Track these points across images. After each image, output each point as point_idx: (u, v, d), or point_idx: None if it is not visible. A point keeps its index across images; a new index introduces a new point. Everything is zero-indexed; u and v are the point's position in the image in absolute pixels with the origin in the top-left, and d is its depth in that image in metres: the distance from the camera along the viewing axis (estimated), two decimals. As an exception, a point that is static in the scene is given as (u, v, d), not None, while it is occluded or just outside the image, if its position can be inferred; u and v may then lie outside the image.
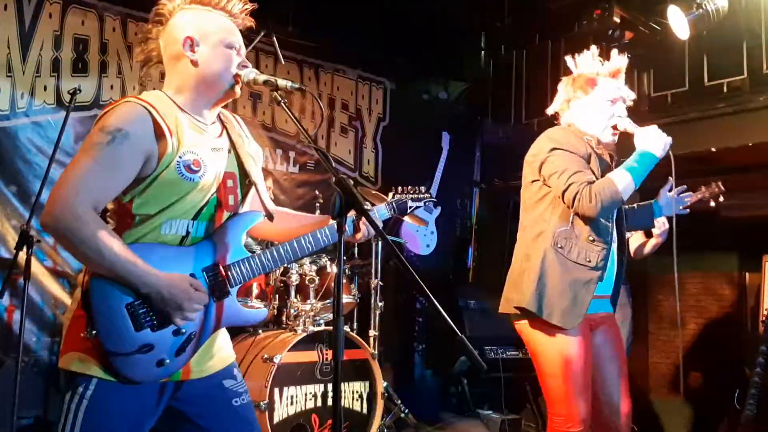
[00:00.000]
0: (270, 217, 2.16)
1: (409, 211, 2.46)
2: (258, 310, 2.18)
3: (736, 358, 4.80)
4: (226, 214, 2.07)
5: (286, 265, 2.15)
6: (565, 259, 2.77)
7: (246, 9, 2.11)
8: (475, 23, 6.52)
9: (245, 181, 2.14)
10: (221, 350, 2.12)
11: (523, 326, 2.88)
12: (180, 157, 1.91)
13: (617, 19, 4.76)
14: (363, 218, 1.82)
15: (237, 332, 4.25)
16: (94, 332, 1.80)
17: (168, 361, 1.89)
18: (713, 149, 4.75)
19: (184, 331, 1.91)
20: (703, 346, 5.30)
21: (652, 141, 2.78)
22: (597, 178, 2.79)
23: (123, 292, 1.83)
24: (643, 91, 5.23)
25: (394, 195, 2.46)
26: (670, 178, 3.26)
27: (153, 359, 1.87)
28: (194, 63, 2.00)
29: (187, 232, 1.97)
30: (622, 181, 2.71)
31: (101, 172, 1.82)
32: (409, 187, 2.48)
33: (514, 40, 6.36)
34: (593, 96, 2.93)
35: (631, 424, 2.95)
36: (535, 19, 6.04)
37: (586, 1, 5.14)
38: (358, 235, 2.20)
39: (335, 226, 2.07)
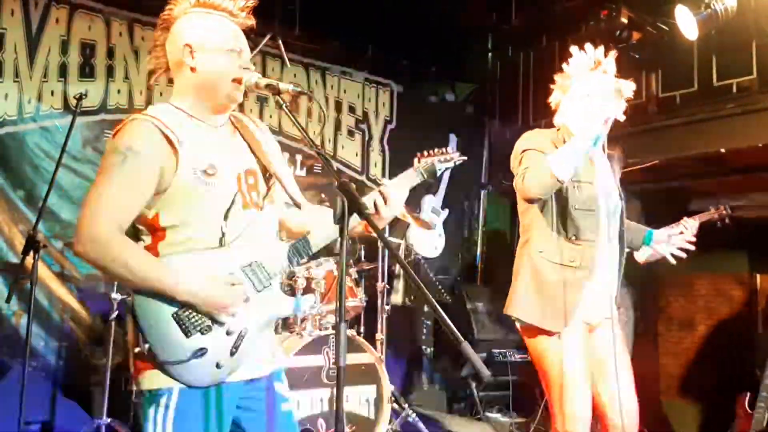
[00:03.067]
0: (298, 205, 2.19)
1: (438, 173, 2.39)
2: (306, 296, 2.18)
3: (746, 359, 4.76)
4: (253, 211, 2.07)
5: (317, 250, 2.13)
6: (547, 262, 2.79)
7: (246, 7, 2.08)
8: (481, 24, 6.50)
9: (267, 176, 2.16)
10: (273, 353, 2.14)
11: (523, 330, 2.89)
12: (194, 164, 1.93)
13: (624, 20, 4.73)
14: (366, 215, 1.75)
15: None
16: (147, 345, 1.84)
17: (224, 361, 1.91)
18: (722, 150, 4.72)
19: (234, 330, 1.93)
20: (714, 347, 5.26)
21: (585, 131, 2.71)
22: (582, 180, 2.78)
23: (167, 303, 1.86)
24: (652, 91, 5.20)
25: (419, 159, 2.38)
26: (683, 224, 3.27)
27: (209, 362, 1.89)
28: (193, 70, 2.00)
29: (223, 233, 1.98)
30: (554, 160, 2.65)
31: (118, 193, 1.86)
32: (436, 150, 2.41)
33: (521, 41, 6.33)
34: (570, 95, 2.90)
35: (641, 426, 2.92)
36: (542, 20, 6.02)
37: (593, 2, 5.11)
38: (378, 214, 2.12)
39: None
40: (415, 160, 2.38)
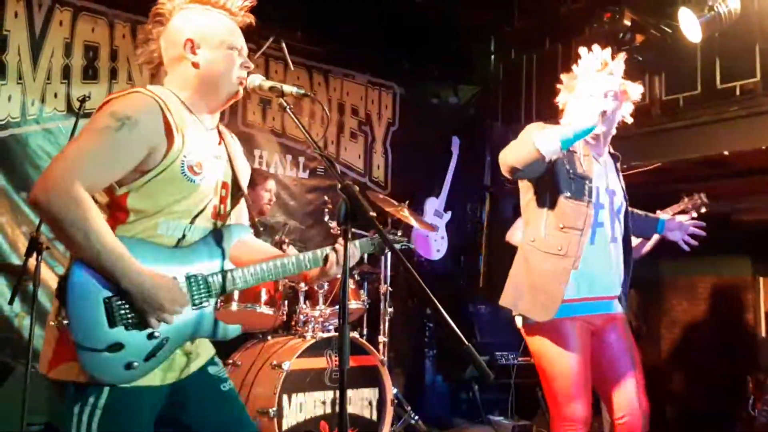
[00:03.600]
0: (257, 231, 2.16)
1: (383, 252, 2.46)
2: (233, 326, 2.11)
3: (749, 363, 4.75)
4: (218, 223, 2.07)
5: (265, 282, 2.09)
6: (537, 252, 2.80)
7: (245, 6, 2.07)
8: (484, 27, 6.49)
9: (237, 193, 2.13)
10: (202, 345, 2.09)
11: (524, 328, 2.89)
12: (185, 156, 1.89)
13: (628, 22, 4.73)
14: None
15: (245, 338, 4.25)
16: (66, 322, 1.73)
17: (137, 364, 1.81)
18: (726, 152, 4.71)
19: (157, 335, 1.85)
20: (717, 351, 5.25)
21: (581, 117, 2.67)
22: (580, 176, 2.78)
23: (103, 285, 1.77)
24: (655, 94, 5.19)
25: (372, 233, 2.34)
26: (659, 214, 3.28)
27: (121, 361, 1.79)
28: (195, 65, 1.98)
29: (184, 235, 1.95)
30: (539, 133, 2.61)
31: (103, 157, 1.78)
32: (389, 228, 2.47)
33: (524, 44, 6.33)
34: (575, 95, 2.91)
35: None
36: (545, 22, 6.01)
37: (596, 4, 5.11)
38: (327, 267, 2.11)
39: (317, 254, 2.09)
40: (371, 232, 2.37)
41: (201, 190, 1.95)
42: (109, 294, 1.77)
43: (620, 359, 2.87)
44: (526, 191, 2.94)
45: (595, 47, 2.89)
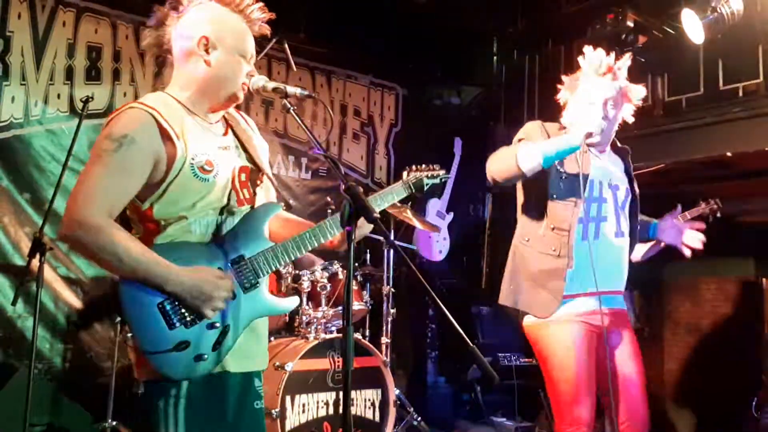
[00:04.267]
0: (288, 206, 2.21)
1: (425, 188, 2.49)
2: (289, 298, 2.17)
3: (753, 364, 4.73)
4: (246, 207, 2.11)
5: (308, 251, 2.13)
6: (532, 251, 2.83)
7: (264, 17, 2.11)
8: (487, 28, 6.49)
9: (258, 174, 2.16)
10: (260, 352, 2.14)
11: (526, 328, 2.89)
12: (193, 159, 1.93)
13: (630, 23, 4.72)
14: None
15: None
16: (130, 335, 1.86)
17: (206, 356, 1.91)
18: (729, 154, 4.70)
19: (218, 324, 1.93)
20: (720, 352, 5.24)
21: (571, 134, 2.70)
22: (573, 174, 2.77)
23: (152, 293, 1.85)
24: (658, 95, 5.18)
25: (408, 173, 2.51)
26: (678, 205, 3.27)
27: (191, 355, 1.88)
28: (207, 63, 2.00)
29: (216, 229, 2.01)
30: (523, 148, 2.66)
31: (112, 179, 1.85)
32: (424, 165, 2.52)
33: (527, 45, 6.32)
34: (576, 97, 2.91)
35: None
36: (548, 23, 6.01)
37: (598, 5, 5.10)
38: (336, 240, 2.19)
39: (337, 217, 2.07)
40: (404, 173, 2.50)
41: (219, 186, 2.00)
42: (161, 299, 1.86)
43: (624, 365, 2.86)
44: (521, 192, 2.98)
45: (600, 49, 2.88)
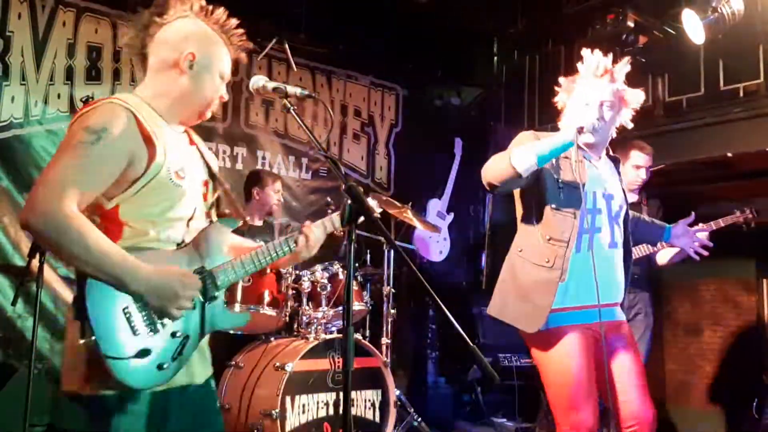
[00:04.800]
0: (244, 221, 2.21)
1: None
2: (242, 313, 2.19)
3: (753, 366, 4.73)
4: (206, 220, 2.11)
5: (262, 266, 2.17)
6: (526, 262, 2.80)
7: (243, 45, 2.11)
8: (487, 28, 6.49)
9: (216, 187, 2.17)
10: (208, 360, 2.13)
11: (524, 335, 2.86)
12: (169, 165, 1.92)
13: (631, 24, 4.72)
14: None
15: (249, 340, 4.24)
16: (93, 338, 1.75)
17: (167, 365, 1.88)
18: (729, 154, 4.70)
19: (179, 333, 1.91)
20: (720, 353, 5.23)
21: (563, 131, 2.69)
22: (570, 184, 2.75)
23: (119, 296, 1.80)
24: (658, 95, 5.18)
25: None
26: (693, 213, 3.27)
27: (153, 364, 1.85)
28: (187, 80, 1.99)
29: (183, 239, 2.00)
30: (517, 150, 2.64)
31: (86, 171, 1.80)
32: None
33: (527, 45, 6.33)
34: (572, 99, 2.89)
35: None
36: (548, 23, 6.01)
37: (599, 6, 5.10)
38: (297, 250, 2.25)
39: (288, 240, 2.21)
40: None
41: (189, 194, 1.99)
42: (126, 303, 1.82)
43: (626, 368, 2.84)
44: (519, 202, 2.94)
45: (597, 51, 2.85)
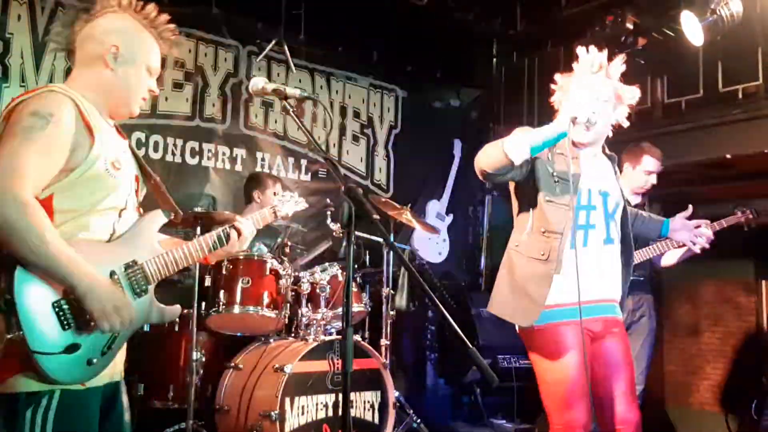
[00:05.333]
0: (177, 214, 2.21)
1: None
2: (173, 306, 2.17)
3: (753, 367, 4.74)
4: (136, 214, 2.12)
5: (194, 261, 2.20)
6: (522, 256, 2.80)
7: (173, 38, 2.13)
8: (486, 30, 6.50)
9: (148, 181, 2.19)
10: (120, 362, 2.10)
11: (519, 331, 2.87)
12: (106, 154, 1.93)
13: (630, 26, 4.73)
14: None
15: (247, 341, 4.24)
16: (20, 333, 1.73)
17: (96, 360, 1.87)
18: (728, 156, 4.71)
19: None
20: (719, 354, 5.24)
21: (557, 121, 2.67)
22: (565, 178, 2.75)
23: (48, 290, 1.79)
24: (657, 97, 5.19)
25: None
26: (690, 206, 3.27)
27: (81, 359, 1.84)
28: (112, 73, 2.01)
29: (114, 230, 2.00)
30: (510, 138, 2.63)
31: (38, 158, 1.79)
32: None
33: (526, 47, 6.33)
34: (567, 96, 2.89)
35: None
36: (547, 25, 6.02)
37: (598, 8, 5.11)
38: (228, 245, 2.29)
39: (220, 234, 2.25)
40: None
41: (123, 185, 2.00)
42: (56, 298, 1.80)
43: (617, 370, 2.84)
44: (514, 197, 2.94)
45: (592, 48, 2.85)
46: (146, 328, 3.78)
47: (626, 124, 2.90)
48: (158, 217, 2.15)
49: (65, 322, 1.81)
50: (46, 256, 1.74)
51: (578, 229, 2.77)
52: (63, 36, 2.03)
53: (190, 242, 2.18)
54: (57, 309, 1.80)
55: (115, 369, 2.04)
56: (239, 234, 2.30)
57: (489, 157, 2.65)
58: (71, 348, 1.81)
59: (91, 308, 1.80)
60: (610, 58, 2.86)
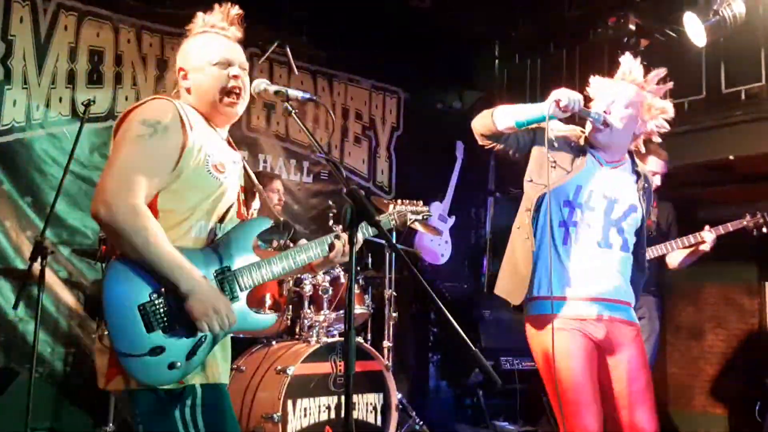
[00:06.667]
0: (278, 225, 2.22)
1: (408, 222, 2.59)
2: (267, 315, 2.17)
3: (756, 369, 4.72)
4: (237, 221, 2.12)
5: (292, 272, 2.18)
6: (518, 238, 2.88)
7: (233, 19, 2.13)
8: (489, 32, 6.49)
9: (251, 192, 2.23)
10: (227, 361, 2.13)
11: (528, 336, 2.87)
12: (208, 155, 1.97)
13: (632, 27, 4.72)
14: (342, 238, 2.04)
15: (250, 343, 4.24)
16: (106, 332, 1.81)
17: (179, 364, 1.88)
18: (731, 157, 4.69)
19: (196, 333, 1.92)
20: (723, 357, 5.23)
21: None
22: (559, 164, 2.80)
23: (136, 293, 1.84)
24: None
25: (394, 205, 2.59)
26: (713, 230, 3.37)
27: (164, 362, 1.86)
28: (188, 91, 2.08)
29: (215, 234, 2.02)
30: (500, 108, 2.81)
31: (147, 164, 1.88)
32: (408, 201, 2.63)
33: (528, 49, 6.32)
34: (595, 95, 2.91)
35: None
36: (549, 27, 6.01)
37: (600, 9, 5.11)
38: (332, 254, 2.21)
39: (323, 242, 2.19)
40: (391, 206, 2.56)
41: (226, 189, 2.02)
42: (143, 301, 1.84)
43: (635, 379, 2.79)
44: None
45: (629, 56, 2.91)
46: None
47: (657, 140, 2.90)
48: (258, 224, 2.15)
49: (155, 324, 1.84)
50: (150, 257, 1.82)
51: (571, 225, 2.79)
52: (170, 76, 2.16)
53: (285, 253, 2.14)
54: (142, 311, 1.84)
55: (216, 372, 2.04)
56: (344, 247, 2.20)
57: (481, 123, 2.84)
58: (155, 350, 1.84)
59: (192, 308, 1.85)
60: (646, 72, 2.86)
